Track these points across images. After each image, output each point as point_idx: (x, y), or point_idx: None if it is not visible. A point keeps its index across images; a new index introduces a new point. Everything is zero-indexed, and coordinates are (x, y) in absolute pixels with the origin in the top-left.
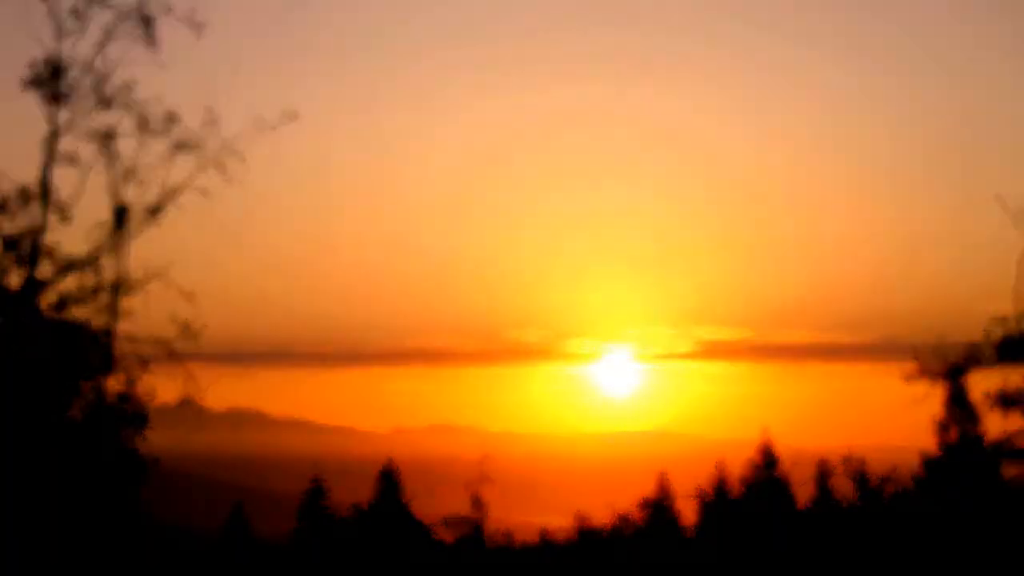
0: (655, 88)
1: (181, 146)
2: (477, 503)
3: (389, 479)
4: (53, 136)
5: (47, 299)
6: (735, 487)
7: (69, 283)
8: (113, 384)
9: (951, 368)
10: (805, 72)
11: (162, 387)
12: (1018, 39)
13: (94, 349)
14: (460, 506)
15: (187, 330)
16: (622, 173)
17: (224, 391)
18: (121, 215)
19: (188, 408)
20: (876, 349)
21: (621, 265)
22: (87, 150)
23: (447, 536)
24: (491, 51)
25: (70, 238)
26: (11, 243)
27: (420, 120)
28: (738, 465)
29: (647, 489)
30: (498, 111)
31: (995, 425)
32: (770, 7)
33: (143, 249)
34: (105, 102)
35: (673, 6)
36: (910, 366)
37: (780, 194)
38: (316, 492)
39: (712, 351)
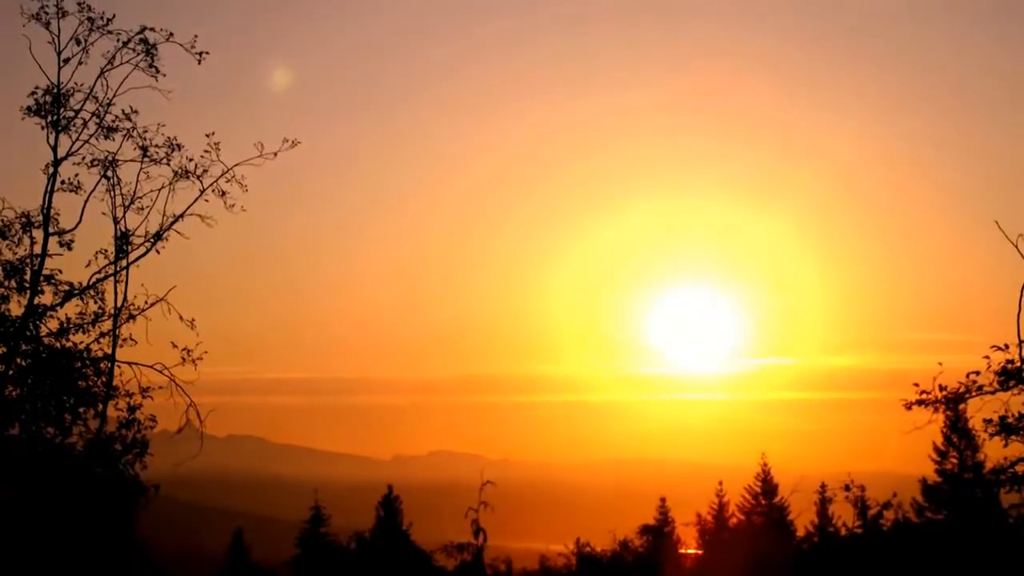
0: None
1: (182, 173)
2: (477, 529)
3: (389, 506)
4: (55, 163)
5: (48, 326)
6: (734, 514)
7: (70, 310)
8: (114, 411)
9: (951, 395)
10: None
11: (163, 413)
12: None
13: (95, 376)
14: (460, 533)
15: (188, 356)
16: (587, 206)
17: (225, 417)
18: (122, 242)
19: (189, 434)
20: (875, 376)
21: (618, 296)
22: (89, 177)
23: (447, 563)
24: (500, 75)
25: (71, 265)
26: (13, 270)
27: (427, 146)
28: (738, 492)
29: (647, 516)
30: (536, 122)
31: (994, 452)
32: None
33: (144, 276)
34: (106, 129)
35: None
36: (910, 393)
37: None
38: (317, 519)
39: (712, 379)
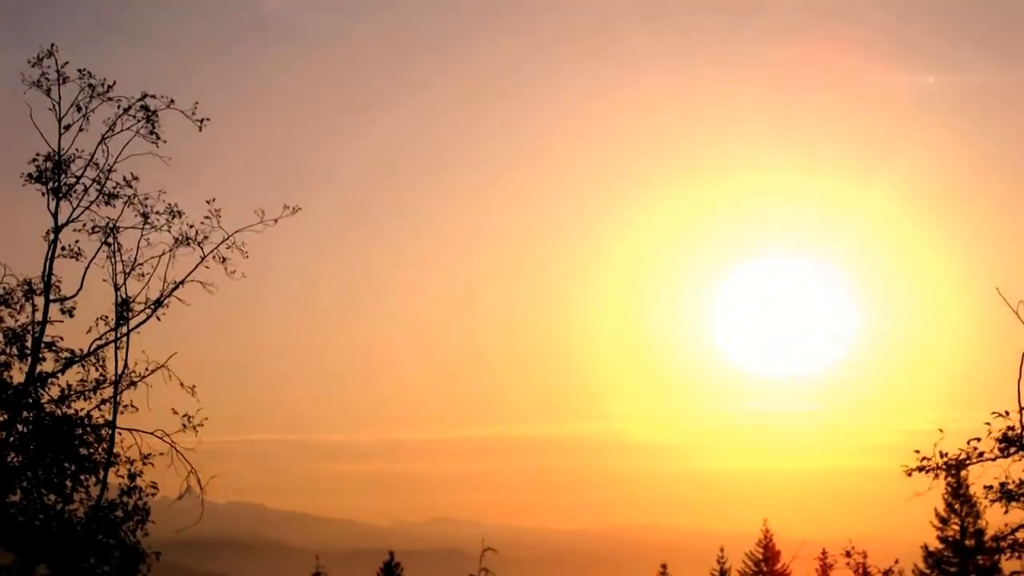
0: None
1: (183, 240)
2: None
3: (391, 572)
4: (55, 230)
5: (49, 392)
6: None
7: (71, 376)
8: (115, 478)
9: (952, 462)
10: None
11: (164, 480)
12: None
13: (96, 443)
14: None
15: (189, 423)
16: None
17: (225, 483)
18: (123, 308)
19: (190, 500)
20: (875, 439)
21: (616, 359)
22: (89, 243)
23: None
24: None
25: (72, 332)
26: (14, 336)
27: (421, 210)
28: (739, 559)
29: None
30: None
31: (995, 519)
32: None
33: (145, 342)
34: (107, 196)
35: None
36: (911, 459)
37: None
38: None
39: (712, 439)
